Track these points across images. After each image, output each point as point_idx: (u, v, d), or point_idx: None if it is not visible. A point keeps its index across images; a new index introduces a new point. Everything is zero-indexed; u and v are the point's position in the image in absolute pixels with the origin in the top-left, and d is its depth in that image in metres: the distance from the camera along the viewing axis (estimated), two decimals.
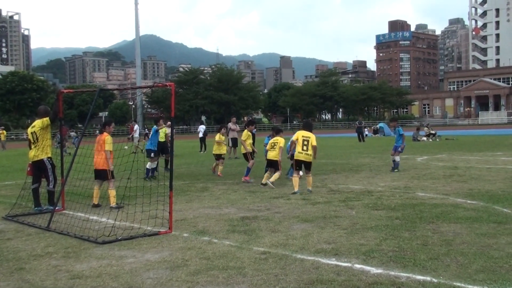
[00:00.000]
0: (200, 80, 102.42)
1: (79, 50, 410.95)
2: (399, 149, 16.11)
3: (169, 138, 17.84)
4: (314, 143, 11.66)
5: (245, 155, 14.88)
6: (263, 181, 13.13)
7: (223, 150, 16.69)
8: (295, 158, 11.91)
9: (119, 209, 9.70)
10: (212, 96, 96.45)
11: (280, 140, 13.23)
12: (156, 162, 15.54)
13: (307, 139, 11.68)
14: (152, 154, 15.38)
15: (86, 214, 9.32)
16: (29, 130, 10.28)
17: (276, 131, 13.87)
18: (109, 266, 6.07)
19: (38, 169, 10.16)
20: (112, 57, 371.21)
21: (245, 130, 15.22)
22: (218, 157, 16.27)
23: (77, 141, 39.74)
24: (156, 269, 5.87)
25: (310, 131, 12.00)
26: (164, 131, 17.15)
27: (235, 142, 22.87)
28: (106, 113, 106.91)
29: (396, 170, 15.73)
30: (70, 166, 9.02)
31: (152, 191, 10.22)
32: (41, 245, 7.29)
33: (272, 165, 13.15)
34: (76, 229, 8.11)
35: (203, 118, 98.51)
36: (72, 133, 40.17)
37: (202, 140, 29.53)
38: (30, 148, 10.18)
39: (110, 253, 6.69)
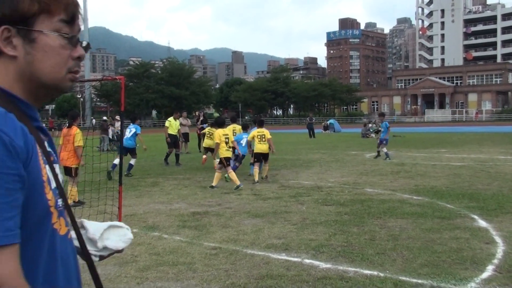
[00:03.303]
0: (151, 74, 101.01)
1: None
2: (384, 141, 18.53)
3: (181, 132, 18.80)
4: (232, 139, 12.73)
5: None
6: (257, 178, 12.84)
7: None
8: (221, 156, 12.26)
9: (82, 206, 9.37)
10: (163, 90, 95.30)
11: (266, 132, 13.40)
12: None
13: (227, 136, 12.37)
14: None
15: None
16: None
17: (259, 123, 14.04)
18: None
19: None
20: None
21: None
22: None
23: None
24: (104, 265, 5.77)
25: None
26: (174, 124, 17.95)
27: (186, 138, 22.69)
28: (53, 106, 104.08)
29: (388, 159, 17.93)
30: None
31: (101, 186, 10.02)
32: None
33: (265, 158, 13.39)
34: None
35: (154, 112, 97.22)
36: None
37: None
38: None
39: None
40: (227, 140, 12.17)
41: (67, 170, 9.73)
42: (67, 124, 10.16)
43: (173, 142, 17.74)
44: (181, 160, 17.86)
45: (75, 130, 9.76)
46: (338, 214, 8.50)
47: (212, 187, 11.82)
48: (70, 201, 9.52)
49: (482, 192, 10.53)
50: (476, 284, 4.96)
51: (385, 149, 18.55)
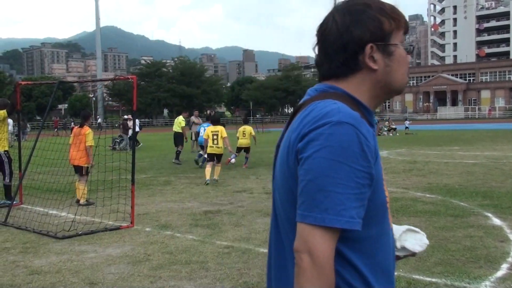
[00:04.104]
0: (162, 73, 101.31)
1: (37, 41, 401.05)
2: None
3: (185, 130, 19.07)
4: (224, 135, 12.70)
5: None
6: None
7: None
8: (208, 152, 12.80)
9: (89, 206, 9.44)
10: (175, 89, 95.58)
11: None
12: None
13: (216, 133, 12.68)
14: None
15: (45, 209, 9.13)
16: None
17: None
18: (69, 261, 5.97)
19: None
20: (72, 48, 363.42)
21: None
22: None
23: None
24: (118, 264, 5.81)
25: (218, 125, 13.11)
26: (180, 123, 18.45)
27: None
28: (66, 105, 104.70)
29: None
30: (29, 159, 8.81)
31: (113, 185, 10.06)
32: None
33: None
34: (35, 223, 7.94)
35: (166, 111, 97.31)
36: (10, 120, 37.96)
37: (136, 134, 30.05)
38: None
39: (70, 248, 6.58)
40: (215, 137, 12.62)
41: (77, 169, 9.86)
42: (79, 124, 10.27)
43: (180, 139, 18.18)
44: (192, 159, 17.88)
45: (86, 130, 9.86)
46: None
47: (216, 180, 12.45)
48: (82, 200, 9.61)
49: (496, 190, 10.44)
50: (490, 283, 4.92)
51: None
